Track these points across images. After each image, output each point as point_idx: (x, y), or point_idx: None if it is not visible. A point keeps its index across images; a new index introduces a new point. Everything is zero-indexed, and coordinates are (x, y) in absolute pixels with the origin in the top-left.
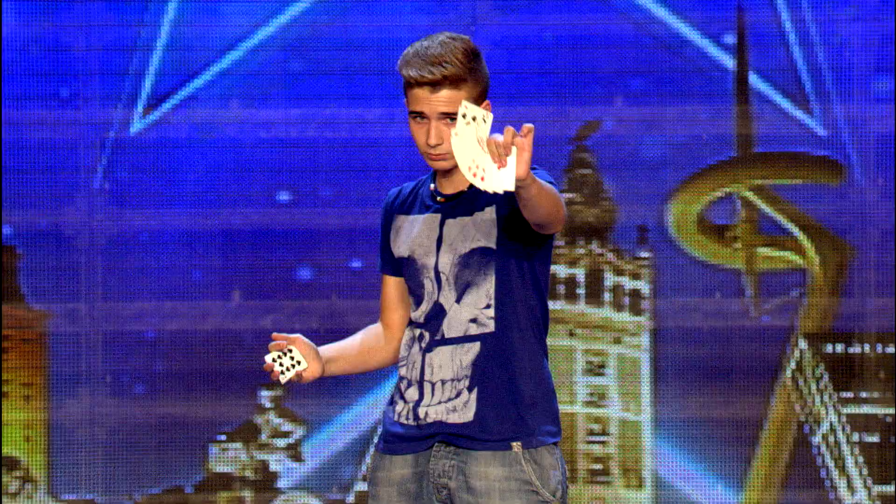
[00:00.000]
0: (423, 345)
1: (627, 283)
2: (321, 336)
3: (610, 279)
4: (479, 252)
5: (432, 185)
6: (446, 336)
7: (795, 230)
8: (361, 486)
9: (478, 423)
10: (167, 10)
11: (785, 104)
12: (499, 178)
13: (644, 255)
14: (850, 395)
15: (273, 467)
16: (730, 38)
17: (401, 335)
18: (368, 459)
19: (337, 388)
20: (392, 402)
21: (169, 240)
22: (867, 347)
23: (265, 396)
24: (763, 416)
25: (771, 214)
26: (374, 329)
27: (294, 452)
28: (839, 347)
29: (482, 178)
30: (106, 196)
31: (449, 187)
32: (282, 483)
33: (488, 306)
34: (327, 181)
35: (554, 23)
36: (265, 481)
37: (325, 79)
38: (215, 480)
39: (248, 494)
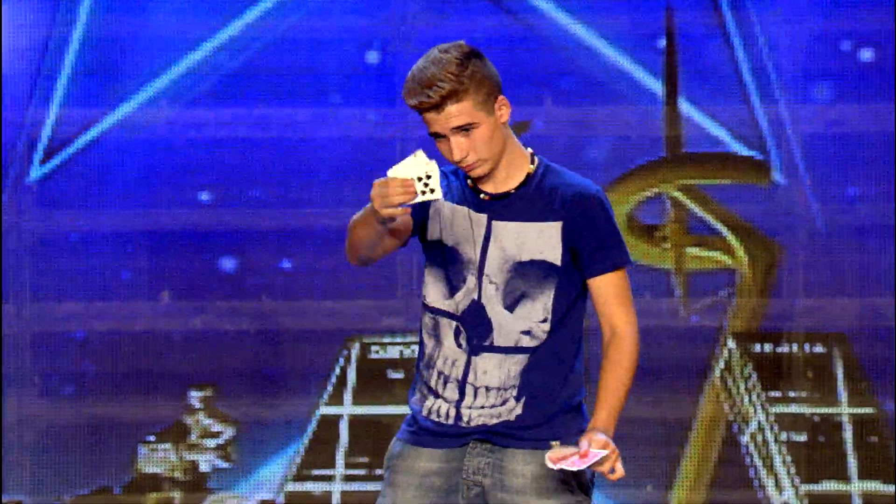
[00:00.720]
0: (467, 344)
1: None
2: (251, 336)
3: None
4: (540, 265)
5: (470, 181)
6: (496, 344)
7: (724, 230)
8: (291, 487)
9: (519, 423)
10: (80, 12)
11: (713, 107)
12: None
13: None
14: (778, 394)
15: (203, 468)
16: (659, 40)
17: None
18: (298, 459)
19: (267, 388)
20: (420, 395)
21: (98, 240)
22: (795, 347)
23: (195, 397)
24: (692, 416)
25: (700, 214)
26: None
27: (224, 453)
28: (767, 347)
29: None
30: (34, 196)
31: (490, 186)
32: (211, 483)
33: (545, 320)
34: (258, 182)
35: (484, 24)
36: (195, 482)
37: (257, 78)
38: (144, 481)
39: (177, 495)
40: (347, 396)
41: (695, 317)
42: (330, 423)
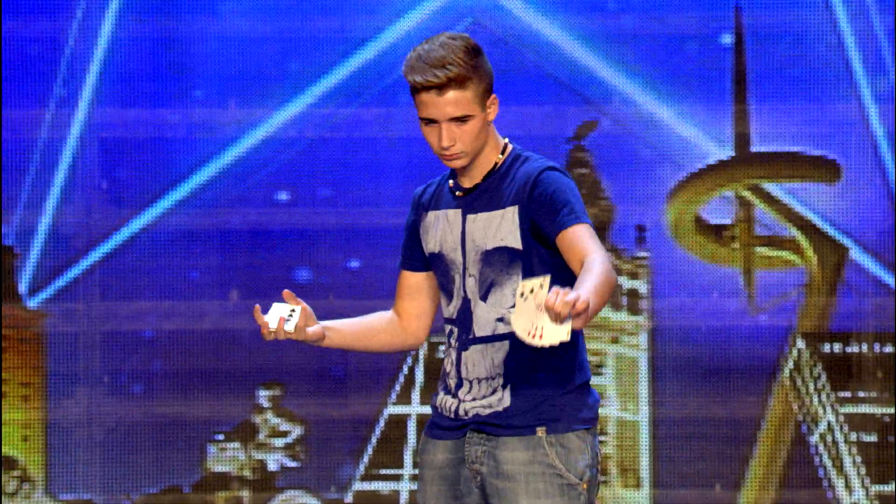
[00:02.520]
0: (458, 342)
1: (625, 283)
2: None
3: None
4: (504, 251)
5: (451, 181)
6: (477, 335)
7: (793, 230)
8: (359, 486)
9: (507, 412)
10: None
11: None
12: (555, 332)
13: (642, 254)
14: (847, 394)
15: (271, 467)
16: (728, 37)
17: (411, 325)
18: (366, 459)
19: (335, 387)
20: (437, 393)
21: (167, 239)
22: (865, 347)
23: (263, 396)
24: (761, 416)
25: (768, 214)
26: (385, 314)
27: (292, 452)
28: (837, 347)
29: (540, 336)
30: (103, 196)
31: (466, 181)
32: (280, 482)
33: (514, 305)
34: (325, 181)
35: (552, 21)
36: (263, 481)
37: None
38: (213, 480)
39: (246, 494)
40: (415, 396)
41: (764, 316)
42: (398, 422)
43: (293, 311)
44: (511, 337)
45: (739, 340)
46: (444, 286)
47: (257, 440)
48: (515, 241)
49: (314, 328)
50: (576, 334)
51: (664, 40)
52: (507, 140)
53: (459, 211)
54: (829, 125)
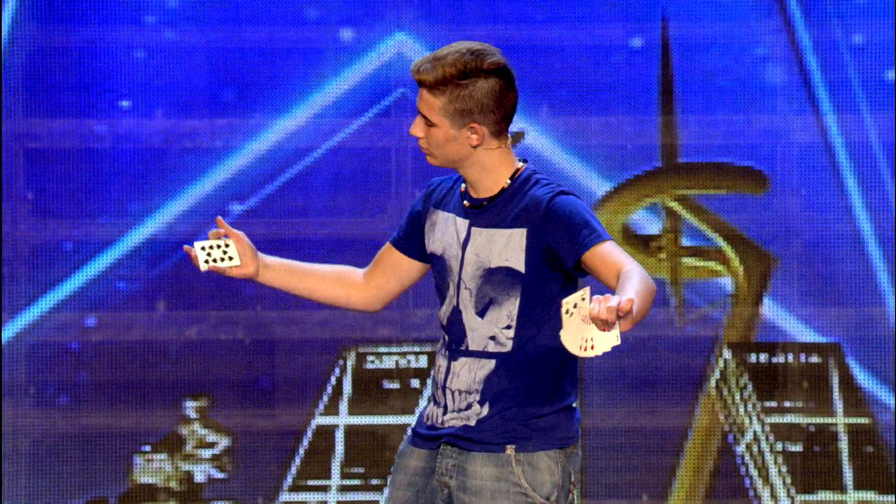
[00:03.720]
0: (448, 351)
1: None
2: (246, 346)
3: None
4: (506, 272)
5: (463, 186)
6: (469, 348)
7: (720, 240)
8: (287, 497)
9: (479, 427)
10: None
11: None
12: (606, 339)
13: None
14: (773, 404)
15: (198, 478)
16: (654, 47)
17: (369, 293)
18: (294, 470)
19: (262, 397)
20: (428, 401)
21: (94, 250)
22: (791, 357)
23: (190, 407)
24: (687, 426)
25: (695, 224)
26: (349, 269)
27: (219, 463)
28: (763, 357)
29: (592, 347)
30: (29, 206)
31: (473, 191)
32: (207, 494)
33: (508, 327)
34: (253, 191)
35: (478, 32)
36: (190, 492)
37: (249, 89)
38: (140, 491)
39: None
40: (343, 406)
41: (690, 327)
42: (326, 433)
43: (228, 244)
44: (497, 357)
45: (666, 351)
46: (439, 289)
47: (184, 451)
48: (519, 264)
49: (243, 268)
50: (561, 358)
51: (590, 51)
52: (522, 164)
53: (467, 222)
54: (754, 136)
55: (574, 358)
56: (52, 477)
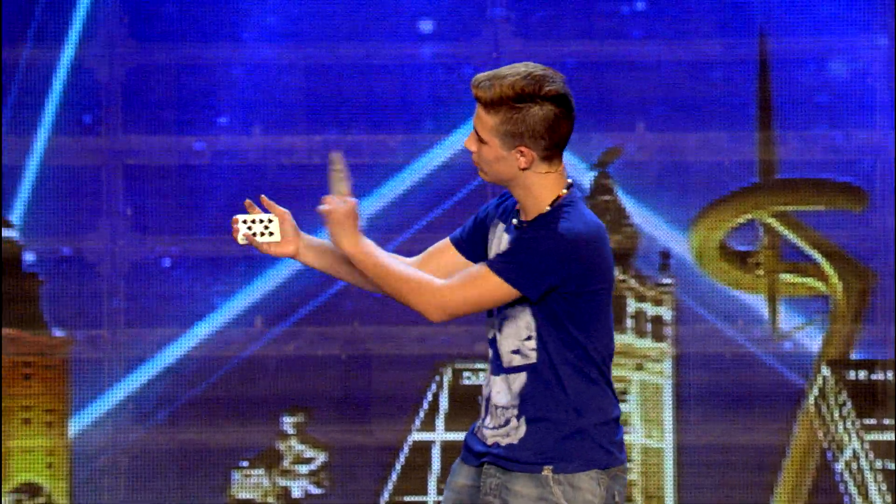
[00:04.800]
0: (492, 367)
1: (650, 310)
2: (344, 362)
3: (632, 305)
4: None
5: (518, 204)
6: (503, 364)
7: (818, 256)
8: None
9: (520, 446)
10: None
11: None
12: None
13: (666, 281)
14: (872, 421)
15: (295, 493)
16: (752, 64)
17: None
18: (390, 486)
19: (359, 413)
20: (479, 415)
21: (191, 265)
22: (890, 374)
23: (288, 422)
24: (785, 443)
25: (793, 241)
26: (395, 257)
27: (316, 478)
28: (862, 374)
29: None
30: (128, 222)
31: (522, 212)
32: None
33: (529, 338)
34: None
35: (575, 48)
36: None
37: (346, 105)
38: None
39: None
40: (440, 422)
41: (788, 343)
42: (422, 449)
43: (271, 220)
44: (527, 369)
45: (764, 367)
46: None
47: (282, 467)
48: None
49: (283, 247)
50: (593, 371)
51: (687, 67)
52: (566, 190)
53: (510, 239)
54: (853, 152)
55: (608, 370)
56: (152, 493)
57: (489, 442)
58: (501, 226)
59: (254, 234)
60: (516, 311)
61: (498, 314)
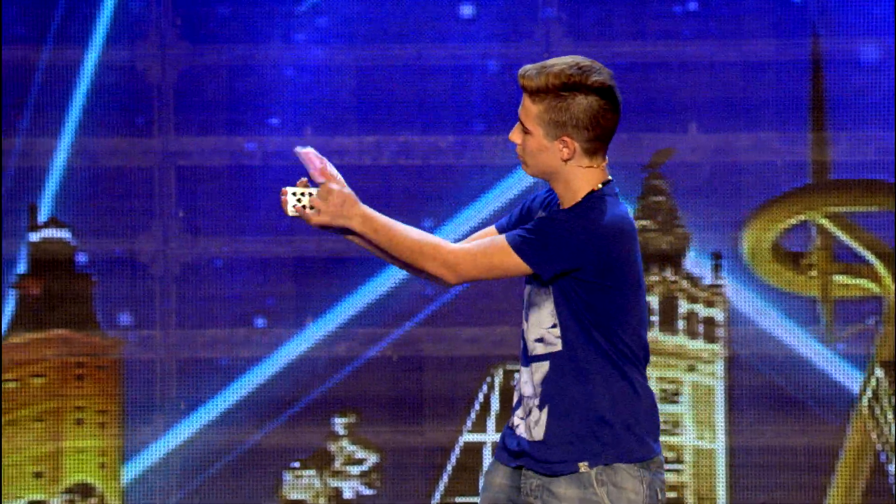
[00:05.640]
0: (522, 358)
1: (702, 311)
2: (394, 363)
3: (684, 306)
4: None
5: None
6: (529, 353)
7: (871, 258)
8: None
9: (546, 443)
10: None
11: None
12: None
13: (718, 282)
14: None
15: (347, 494)
16: (805, 64)
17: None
18: (441, 487)
19: (410, 414)
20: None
21: (242, 267)
22: None
23: (339, 423)
24: (839, 445)
25: (846, 242)
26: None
27: (368, 479)
28: None
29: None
30: (180, 223)
31: (561, 206)
32: None
33: (554, 325)
34: (400, 208)
35: (627, 49)
36: None
37: (399, 106)
38: None
39: None
40: (490, 423)
41: (841, 345)
42: (473, 450)
43: (308, 193)
44: (550, 357)
45: (817, 369)
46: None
47: (333, 468)
48: None
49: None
50: (626, 363)
51: (739, 67)
52: (602, 185)
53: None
54: None
55: (640, 364)
56: (203, 493)
57: (519, 432)
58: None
59: (303, 207)
60: (541, 299)
61: (527, 302)
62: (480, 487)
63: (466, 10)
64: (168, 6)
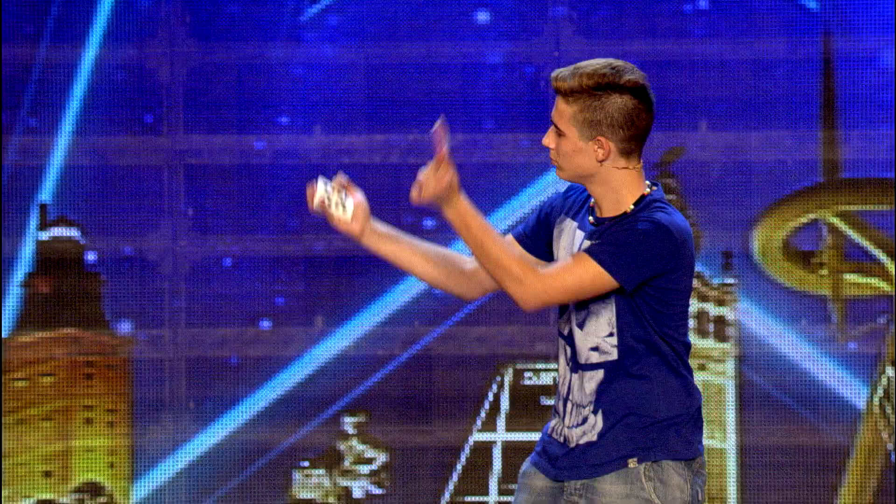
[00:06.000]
0: (571, 363)
1: (712, 310)
2: (404, 362)
3: (694, 305)
4: None
5: (592, 200)
6: (580, 361)
7: (882, 256)
8: None
9: (599, 443)
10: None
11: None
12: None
13: (729, 281)
14: None
15: (356, 493)
16: (816, 62)
17: (472, 282)
18: (451, 486)
19: (420, 413)
20: (552, 415)
21: (252, 265)
22: None
23: (348, 423)
24: (850, 444)
25: (857, 240)
26: (456, 254)
27: (377, 479)
28: None
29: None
30: (189, 222)
31: (598, 210)
32: None
33: (611, 335)
34: (409, 207)
35: (637, 47)
36: None
37: (408, 104)
38: None
39: None
40: (501, 423)
41: (852, 344)
42: (483, 449)
43: (348, 198)
44: (605, 366)
45: (828, 368)
46: None
47: (342, 467)
48: None
49: (352, 225)
50: (680, 364)
51: (750, 65)
52: (650, 189)
53: (583, 234)
54: None
55: (687, 362)
56: (212, 492)
57: (572, 444)
58: (571, 223)
59: (329, 204)
60: (599, 308)
61: (579, 310)
62: (516, 487)
63: (478, 13)
64: (177, 4)
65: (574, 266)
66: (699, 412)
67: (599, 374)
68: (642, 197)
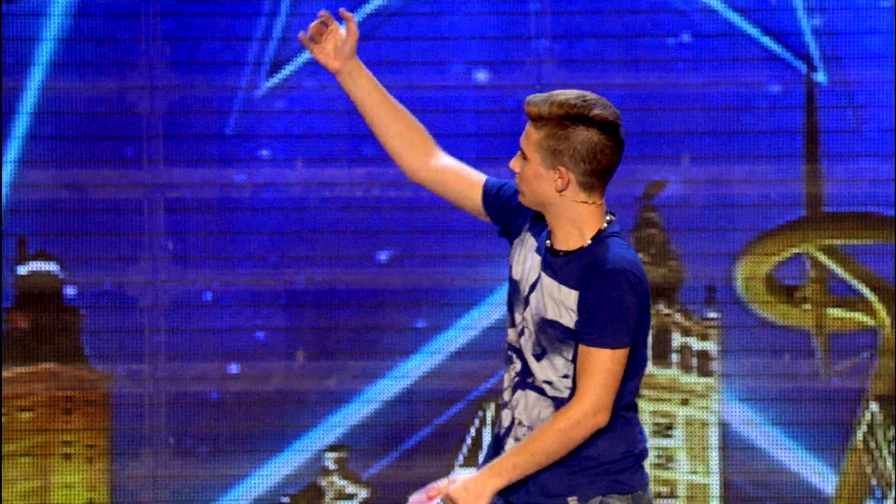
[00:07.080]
0: (519, 377)
1: (695, 344)
2: (385, 397)
3: (677, 340)
4: (558, 326)
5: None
6: (534, 383)
7: (866, 291)
8: None
9: (536, 479)
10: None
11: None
12: None
13: (712, 315)
14: None
15: None
16: (799, 95)
17: (427, 166)
18: None
19: (401, 449)
20: (499, 412)
21: (232, 300)
22: None
23: (329, 458)
24: (834, 479)
25: (841, 275)
26: (427, 136)
27: None
28: None
29: None
30: (169, 255)
31: (554, 239)
32: None
33: (566, 376)
34: (391, 240)
35: (620, 82)
36: None
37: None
38: None
39: None
40: (482, 458)
41: (836, 379)
42: None
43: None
44: (556, 401)
45: (811, 403)
46: (511, 311)
47: (323, 503)
48: (570, 322)
49: (334, 60)
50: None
51: (733, 97)
52: (607, 224)
53: (540, 265)
54: None
55: (636, 406)
56: None
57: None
58: (532, 242)
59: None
60: (556, 350)
61: (537, 341)
62: None
63: (459, 42)
64: (158, 36)
65: (591, 368)
66: (644, 452)
67: (549, 408)
68: (600, 231)
